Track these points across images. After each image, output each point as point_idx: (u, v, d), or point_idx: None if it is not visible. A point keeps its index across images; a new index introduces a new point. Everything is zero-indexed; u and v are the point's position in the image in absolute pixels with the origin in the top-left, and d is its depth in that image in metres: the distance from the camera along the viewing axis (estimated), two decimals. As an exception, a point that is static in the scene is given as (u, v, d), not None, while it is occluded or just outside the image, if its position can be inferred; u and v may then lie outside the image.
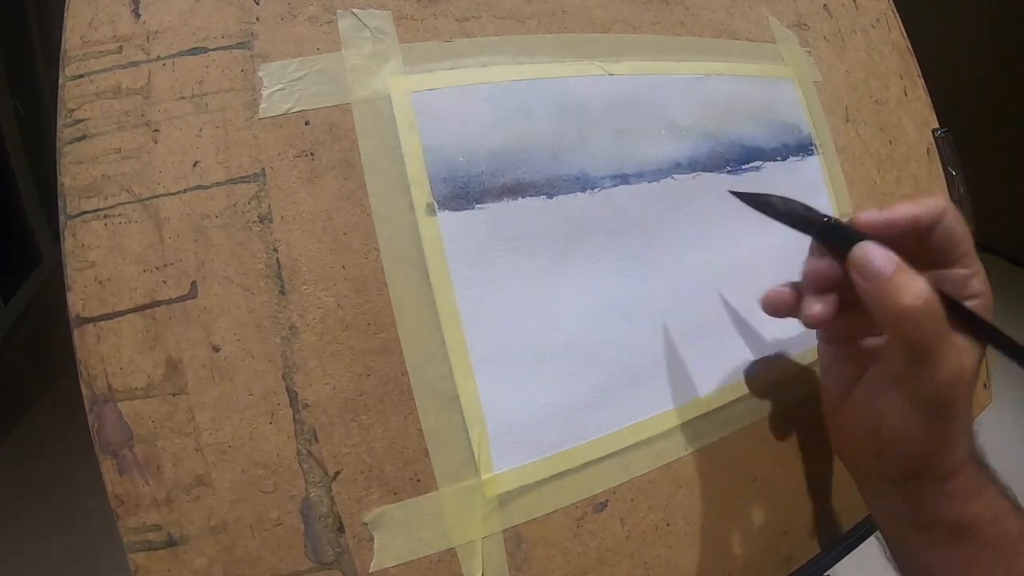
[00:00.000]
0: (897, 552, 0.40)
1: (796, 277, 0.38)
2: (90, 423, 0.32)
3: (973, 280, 0.34)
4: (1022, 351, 0.33)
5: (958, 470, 0.35)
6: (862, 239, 0.31)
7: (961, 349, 0.32)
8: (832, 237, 0.34)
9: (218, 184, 0.35)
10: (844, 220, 0.34)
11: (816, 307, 0.35)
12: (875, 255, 0.30)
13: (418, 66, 0.39)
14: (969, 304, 0.34)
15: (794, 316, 0.38)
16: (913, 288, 0.28)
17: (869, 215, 0.33)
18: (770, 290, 0.38)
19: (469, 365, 0.37)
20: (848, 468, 0.41)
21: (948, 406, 0.32)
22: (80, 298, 0.33)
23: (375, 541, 0.34)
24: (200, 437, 0.33)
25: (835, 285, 0.35)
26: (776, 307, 0.38)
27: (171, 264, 0.34)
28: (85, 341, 0.33)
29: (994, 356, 0.35)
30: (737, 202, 0.37)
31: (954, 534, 0.35)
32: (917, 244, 0.34)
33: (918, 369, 0.30)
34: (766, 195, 0.36)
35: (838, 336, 0.40)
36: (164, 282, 0.34)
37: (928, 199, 0.33)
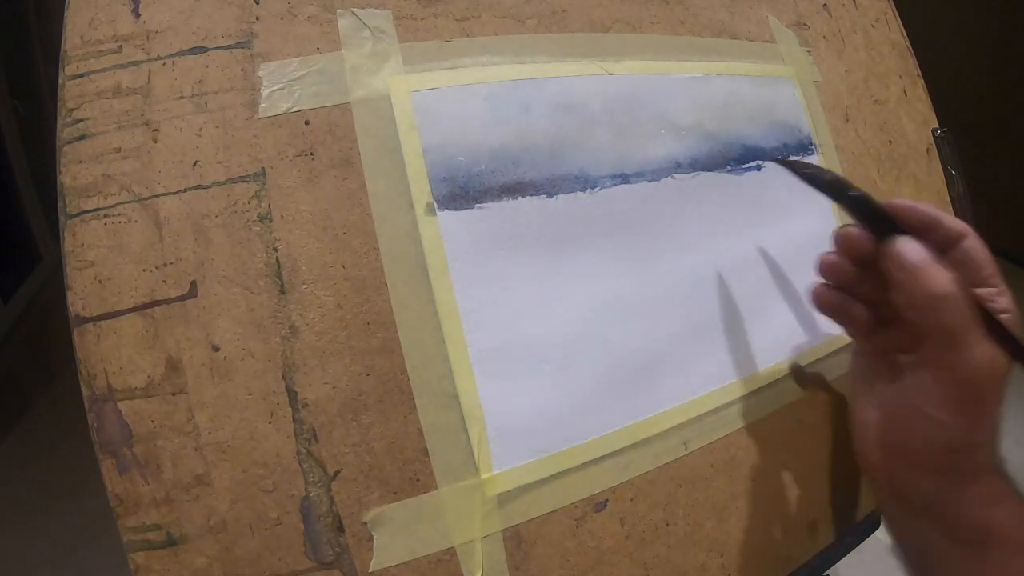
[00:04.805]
0: (917, 563, 0.40)
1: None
2: (90, 422, 0.32)
3: (1000, 299, 0.36)
4: None
5: (982, 473, 0.36)
6: (894, 226, 0.35)
7: (993, 348, 0.34)
8: (866, 213, 0.37)
9: (218, 184, 0.35)
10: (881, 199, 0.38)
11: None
12: (910, 249, 0.33)
13: (418, 66, 0.39)
14: None
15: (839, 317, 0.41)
16: (941, 278, 0.32)
17: (904, 203, 0.36)
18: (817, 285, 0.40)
19: (469, 364, 0.37)
20: (872, 478, 0.41)
21: (980, 392, 0.33)
22: (80, 298, 0.33)
23: (375, 540, 0.34)
24: (200, 436, 0.33)
25: (849, 281, 0.39)
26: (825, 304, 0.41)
27: (171, 264, 0.34)
28: (85, 340, 0.33)
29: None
30: (737, 201, 0.37)
31: (978, 541, 0.36)
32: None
33: (952, 353, 0.33)
34: (811, 166, 0.39)
35: (875, 350, 0.42)
36: (164, 281, 0.34)
37: (954, 218, 0.36)
